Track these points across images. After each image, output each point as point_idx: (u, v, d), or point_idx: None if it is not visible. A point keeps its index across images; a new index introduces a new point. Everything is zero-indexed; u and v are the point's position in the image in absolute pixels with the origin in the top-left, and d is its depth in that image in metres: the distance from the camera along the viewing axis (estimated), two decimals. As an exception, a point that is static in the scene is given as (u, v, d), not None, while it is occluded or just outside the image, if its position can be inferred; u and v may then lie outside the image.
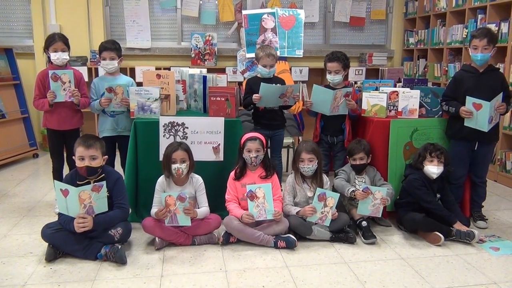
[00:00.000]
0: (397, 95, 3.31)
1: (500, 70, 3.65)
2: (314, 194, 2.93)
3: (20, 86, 5.15)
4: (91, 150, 2.65)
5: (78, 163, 2.66)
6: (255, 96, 3.29)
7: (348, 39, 6.20)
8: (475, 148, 3.20)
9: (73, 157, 2.72)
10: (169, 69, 4.69)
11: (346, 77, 3.72)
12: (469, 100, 3.03)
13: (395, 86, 3.63)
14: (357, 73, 5.68)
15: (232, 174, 3.04)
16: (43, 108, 3.28)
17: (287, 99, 3.38)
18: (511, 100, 3.20)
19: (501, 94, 3.02)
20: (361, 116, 3.41)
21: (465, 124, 3.08)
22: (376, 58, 5.86)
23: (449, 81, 3.48)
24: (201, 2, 5.63)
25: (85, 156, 2.64)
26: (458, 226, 2.96)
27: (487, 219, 3.29)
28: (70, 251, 2.63)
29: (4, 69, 5.04)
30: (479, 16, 4.66)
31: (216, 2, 5.64)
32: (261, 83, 3.28)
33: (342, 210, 3.09)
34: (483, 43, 3.03)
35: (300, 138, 4.77)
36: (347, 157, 3.27)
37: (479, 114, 3.00)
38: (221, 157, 3.24)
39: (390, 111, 3.33)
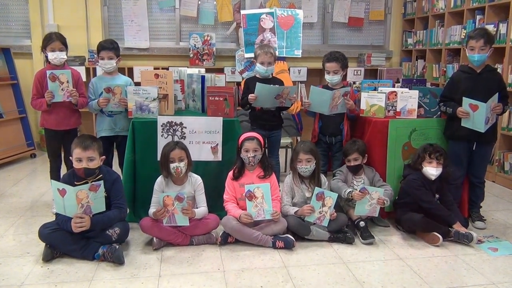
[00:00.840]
0: (395, 95, 3.31)
1: (498, 71, 3.64)
2: (312, 194, 2.92)
3: (18, 86, 5.13)
4: (88, 151, 2.63)
5: (76, 165, 2.65)
6: (250, 96, 3.29)
7: (347, 39, 6.20)
8: (473, 149, 3.20)
9: (71, 157, 2.70)
10: (167, 69, 4.68)
11: (344, 77, 3.72)
12: (466, 101, 3.03)
13: (393, 86, 3.63)
14: (355, 73, 5.67)
15: (230, 174, 3.03)
16: (41, 108, 3.27)
17: (283, 100, 3.37)
18: (509, 100, 3.20)
19: (496, 95, 3.02)
20: (359, 116, 3.41)
21: (462, 124, 3.08)
22: (374, 58, 5.85)
23: (447, 81, 3.48)
24: (199, 2, 5.62)
25: (83, 157, 2.63)
26: (458, 226, 2.95)
27: (485, 220, 3.29)
28: (67, 251, 2.62)
29: (2, 69, 5.02)
30: (478, 17, 4.66)
31: (215, 2, 5.63)
32: (257, 82, 3.27)
33: (340, 210, 3.09)
34: (480, 44, 3.03)
35: (299, 138, 4.76)
36: (344, 157, 3.27)
37: (475, 115, 3.00)
38: (219, 157, 3.24)
39: (388, 111, 3.33)
